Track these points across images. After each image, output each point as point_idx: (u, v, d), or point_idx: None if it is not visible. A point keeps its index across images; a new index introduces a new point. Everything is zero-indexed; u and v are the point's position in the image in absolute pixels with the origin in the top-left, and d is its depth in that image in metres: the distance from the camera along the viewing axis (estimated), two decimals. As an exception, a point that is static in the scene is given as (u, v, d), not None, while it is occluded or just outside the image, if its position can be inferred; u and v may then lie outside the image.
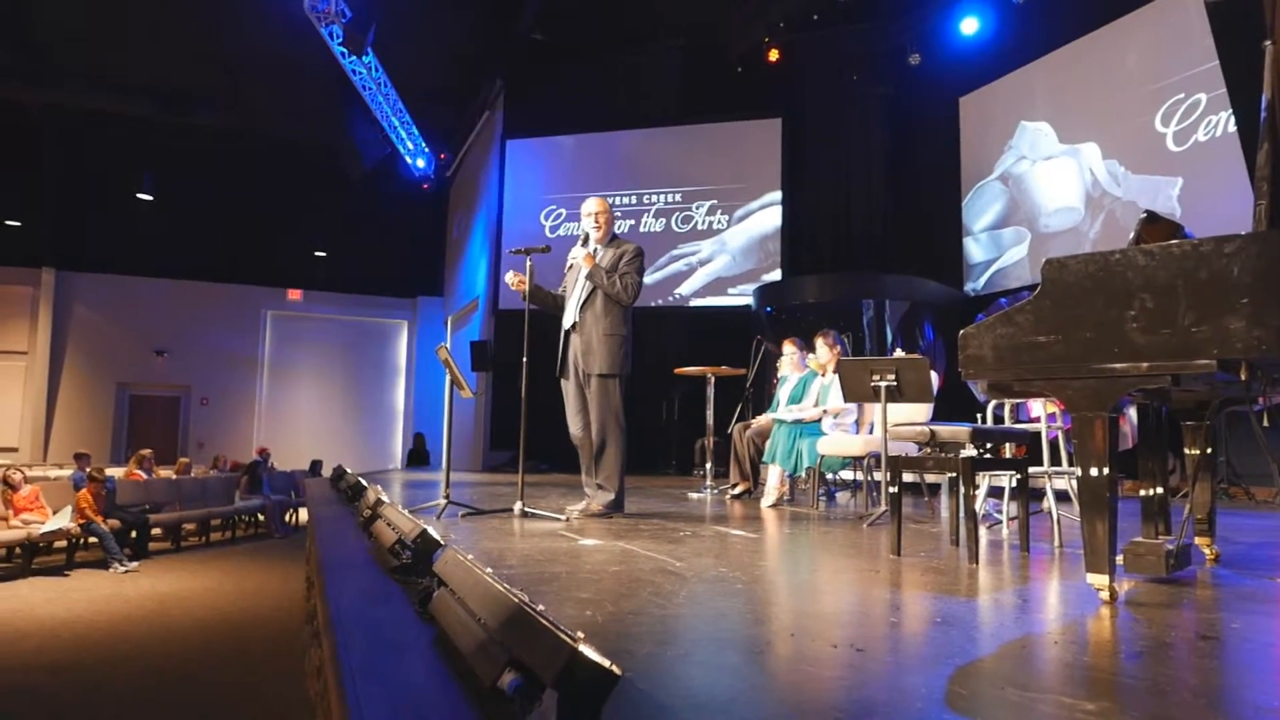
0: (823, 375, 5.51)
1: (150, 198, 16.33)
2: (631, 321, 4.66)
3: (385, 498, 3.50)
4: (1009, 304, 2.49)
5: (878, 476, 4.91)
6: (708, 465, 6.77)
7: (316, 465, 14.83)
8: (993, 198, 10.18)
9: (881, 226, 11.31)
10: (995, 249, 10.09)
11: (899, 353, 4.87)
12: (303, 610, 6.55)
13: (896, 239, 11.19)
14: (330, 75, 13.76)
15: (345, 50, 12.70)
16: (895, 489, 3.07)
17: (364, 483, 4.80)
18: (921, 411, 4.64)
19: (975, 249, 10.40)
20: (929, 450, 3.17)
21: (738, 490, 5.90)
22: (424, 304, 18.57)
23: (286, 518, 13.58)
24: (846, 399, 4.53)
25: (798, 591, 2.58)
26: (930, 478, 5.43)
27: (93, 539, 9.41)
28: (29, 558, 9.04)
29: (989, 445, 3.25)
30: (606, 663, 1.06)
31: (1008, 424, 4.03)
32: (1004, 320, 2.29)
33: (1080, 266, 2.17)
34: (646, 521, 4.23)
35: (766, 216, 11.90)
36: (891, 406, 4.17)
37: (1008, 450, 3.73)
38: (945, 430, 2.97)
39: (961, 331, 2.37)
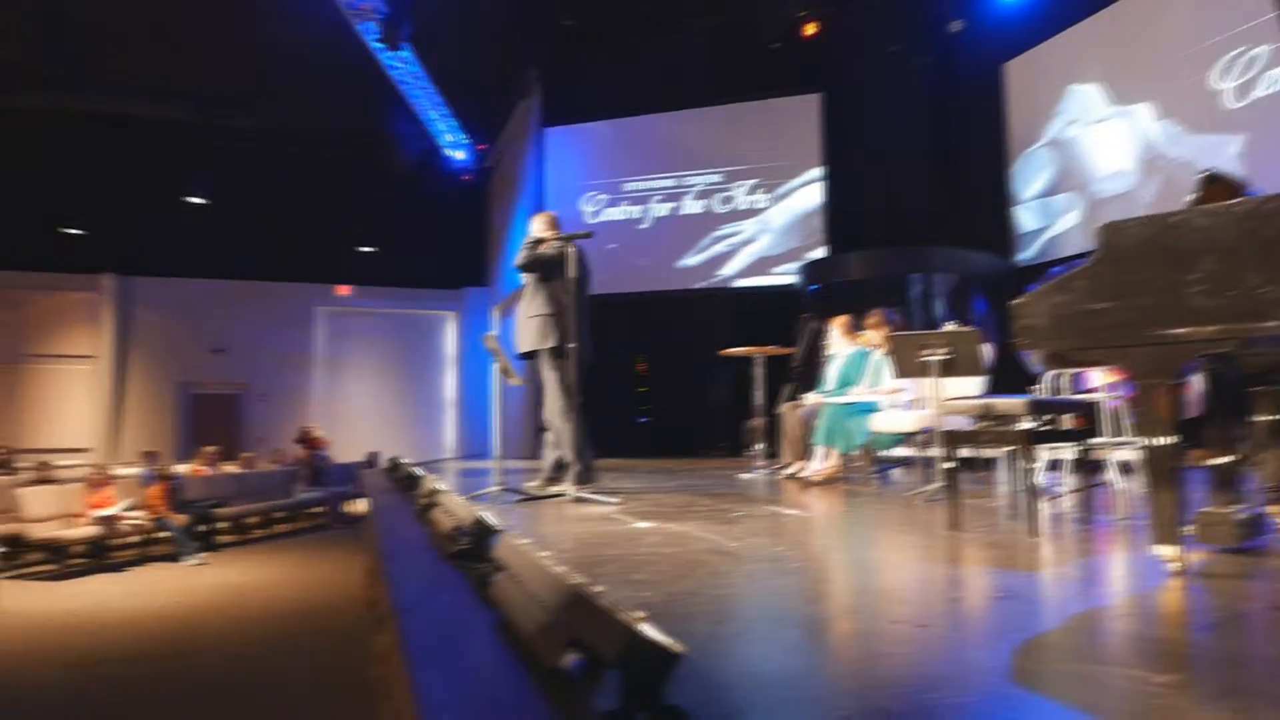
0: (875, 352, 5.44)
1: (202, 201, 16.73)
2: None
3: (441, 486, 3.56)
4: (1062, 272, 2.43)
5: (931, 453, 4.84)
6: (758, 446, 6.74)
7: (373, 456, 15.14)
8: (1042, 164, 9.92)
9: (926, 199, 11.09)
10: (1046, 217, 9.84)
11: (950, 326, 4.79)
12: (364, 598, 6.71)
13: (943, 211, 10.97)
14: (368, 71, 13.92)
15: (382, 45, 12.83)
16: (952, 464, 3.02)
17: (419, 472, 4.88)
18: (975, 385, 4.56)
19: (1025, 218, 10.15)
20: (985, 424, 3.11)
21: (790, 470, 5.87)
22: (470, 295, 18.74)
23: (345, 508, 13.89)
24: (898, 375, 4.47)
25: (855, 569, 2.57)
26: (986, 452, 5.34)
27: (163, 533, 9.75)
28: (104, 553, 9.41)
29: (1047, 417, 3.18)
30: (668, 641, 1.07)
31: (1066, 395, 3.94)
32: (1059, 288, 2.24)
33: (1139, 229, 2.11)
34: (700, 503, 4.23)
35: (808, 194, 11.76)
36: (944, 381, 4.10)
37: (1066, 422, 3.65)
38: (1001, 403, 2.92)
39: (1015, 301, 2.32)
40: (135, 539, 9.81)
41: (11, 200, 16.41)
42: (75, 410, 16.97)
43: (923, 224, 10.89)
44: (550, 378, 4.82)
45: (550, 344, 4.79)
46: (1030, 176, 10.07)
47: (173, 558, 9.50)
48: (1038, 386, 4.24)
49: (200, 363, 17.63)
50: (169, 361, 17.45)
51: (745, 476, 6.19)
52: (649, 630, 1.06)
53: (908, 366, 4.21)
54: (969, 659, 1.49)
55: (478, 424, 18.06)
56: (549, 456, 4.91)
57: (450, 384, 19.28)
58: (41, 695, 4.96)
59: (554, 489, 4.62)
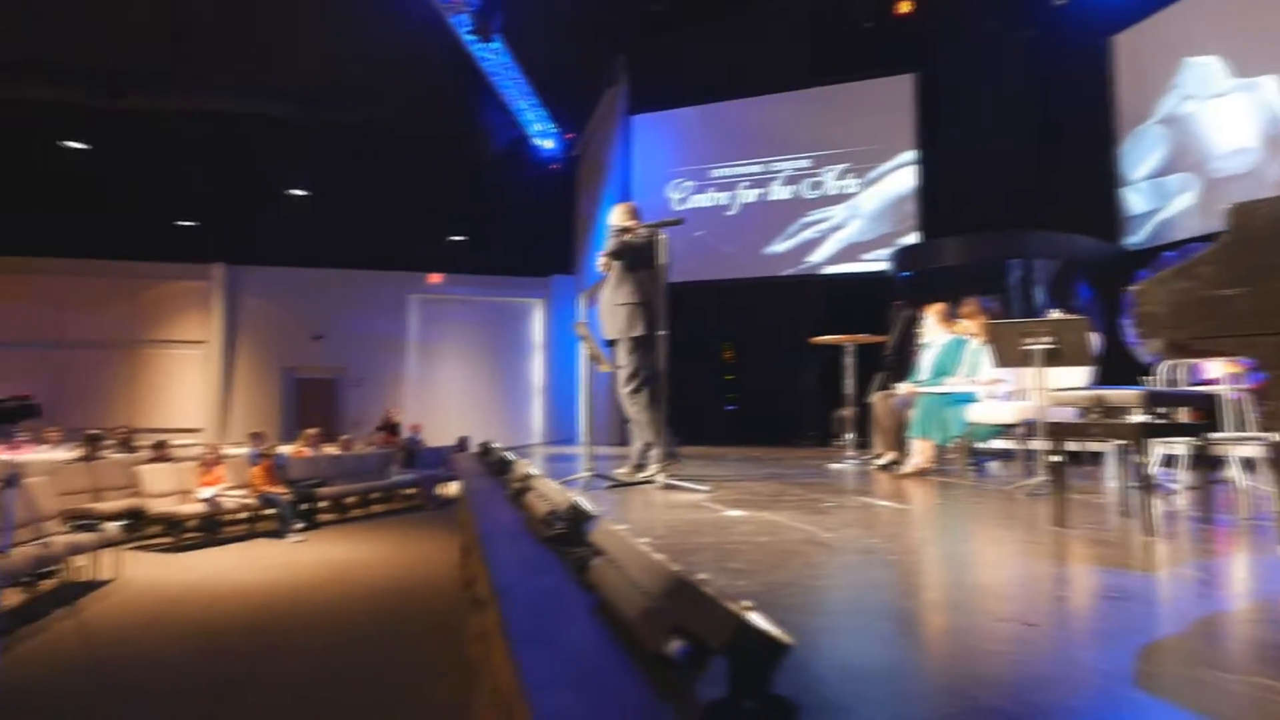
0: (972, 341, 5.27)
1: (303, 193, 17.43)
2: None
3: (533, 471, 3.63)
4: (1176, 257, 2.30)
5: (1032, 445, 4.67)
6: (848, 436, 6.63)
7: (463, 441, 15.53)
8: (1154, 143, 9.39)
9: (1026, 181, 10.64)
10: (1159, 198, 9.32)
11: (1055, 313, 4.59)
12: (459, 578, 6.91)
13: (1044, 193, 10.51)
14: (459, 63, 14.20)
15: (473, 37, 13.06)
16: (1058, 458, 2.91)
17: (511, 457, 4.99)
18: (1081, 376, 4.36)
19: (1135, 199, 9.64)
20: (1094, 416, 2.98)
21: (883, 461, 5.75)
22: (557, 282, 18.99)
23: (438, 491, 14.30)
24: (998, 364, 4.32)
25: (954, 564, 2.51)
26: (1092, 446, 5.12)
27: (268, 511, 10.25)
28: (216, 528, 9.95)
29: (1162, 410, 3.02)
30: (776, 631, 1.06)
31: (1182, 386, 3.74)
32: (1182, 273, 2.11)
33: (1272, 210, 1.97)
34: (790, 492, 4.19)
35: (901, 177, 11.45)
36: (1048, 371, 3.95)
37: (1182, 415, 3.47)
38: (1114, 394, 2.78)
39: (1133, 287, 2.21)
40: (243, 516, 10.34)
41: (132, 196, 17.44)
42: (188, 393, 17.98)
43: (1022, 208, 10.46)
44: (631, 365, 4.83)
45: (636, 332, 4.81)
46: (1140, 156, 9.55)
47: (277, 534, 9.98)
48: (1150, 377, 4.04)
49: (301, 348, 18.42)
50: (273, 347, 18.30)
51: (835, 467, 6.10)
52: (757, 620, 1.06)
53: (1008, 356, 4.07)
54: (1082, 660, 1.44)
55: (564, 410, 18.32)
56: (637, 443, 4.94)
57: (538, 370, 19.60)
58: (165, 663, 5.28)
59: (643, 475, 4.66)
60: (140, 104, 15.69)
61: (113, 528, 7.82)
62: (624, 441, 5.19)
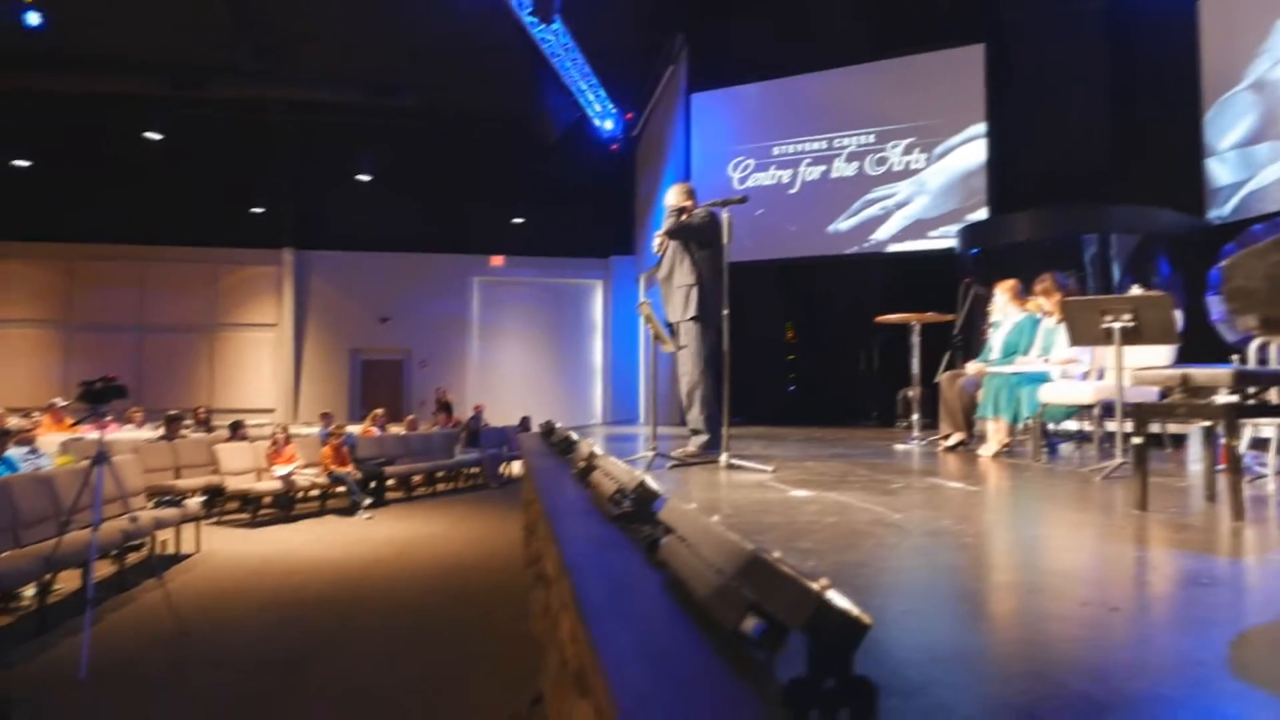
0: (1046, 319, 5.11)
1: (368, 178, 17.76)
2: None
3: (598, 450, 3.65)
4: (1265, 231, 2.18)
5: (1109, 427, 4.53)
6: (914, 416, 6.51)
7: (525, 421, 15.72)
8: (1243, 110, 8.93)
9: (1103, 153, 10.23)
10: (1247, 169, 8.87)
11: (1136, 290, 4.41)
12: (523, 555, 7.02)
13: (1121, 166, 10.09)
14: (520, 46, 14.25)
15: (534, 19, 13.08)
16: (1140, 439, 2.80)
17: (574, 436, 5.02)
18: (1163, 355, 4.20)
19: (1221, 170, 9.19)
20: (1179, 396, 2.86)
21: (951, 442, 5.63)
22: (617, 263, 19.03)
23: (500, 470, 14.53)
24: (1073, 342, 4.19)
25: (1032, 547, 2.44)
26: (1172, 427, 4.94)
27: (338, 489, 10.55)
28: (290, 505, 10.29)
29: (1252, 390, 2.89)
30: (856, 610, 1.05)
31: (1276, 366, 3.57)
32: (1279, 247, 2.01)
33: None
34: (856, 473, 4.14)
35: (969, 152, 11.12)
36: (1126, 350, 3.81)
37: (1275, 396, 3.31)
38: (1201, 373, 2.67)
39: (1225, 262, 2.11)
40: (315, 493, 10.67)
41: (207, 184, 18.01)
42: (261, 374, 18.58)
43: (1098, 181, 10.08)
44: (690, 346, 4.81)
45: (693, 313, 4.79)
46: (1227, 124, 9.09)
47: (347, 512, 10.27)
48: (1237, 356, 3.87)
49: (368, 330, 18.86)
50: (341, 329, 18.78)
51: (901, 448, 6.00)
52: (837, 599, 1.05)
53: (1086, 334, 3.94)
54: (1175, 648, 1.39)
55: (624, 390, 18.41)
56: (696, 423, 4.94)
57: (598, 351, 19.71)
58: (246, 632, 5.50)
59: (707, 455, 4.65)
60: (215, 94, 16.15)
61: (194, 504, 8.15)
62: (685, 422, 5.18)
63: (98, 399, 5.03)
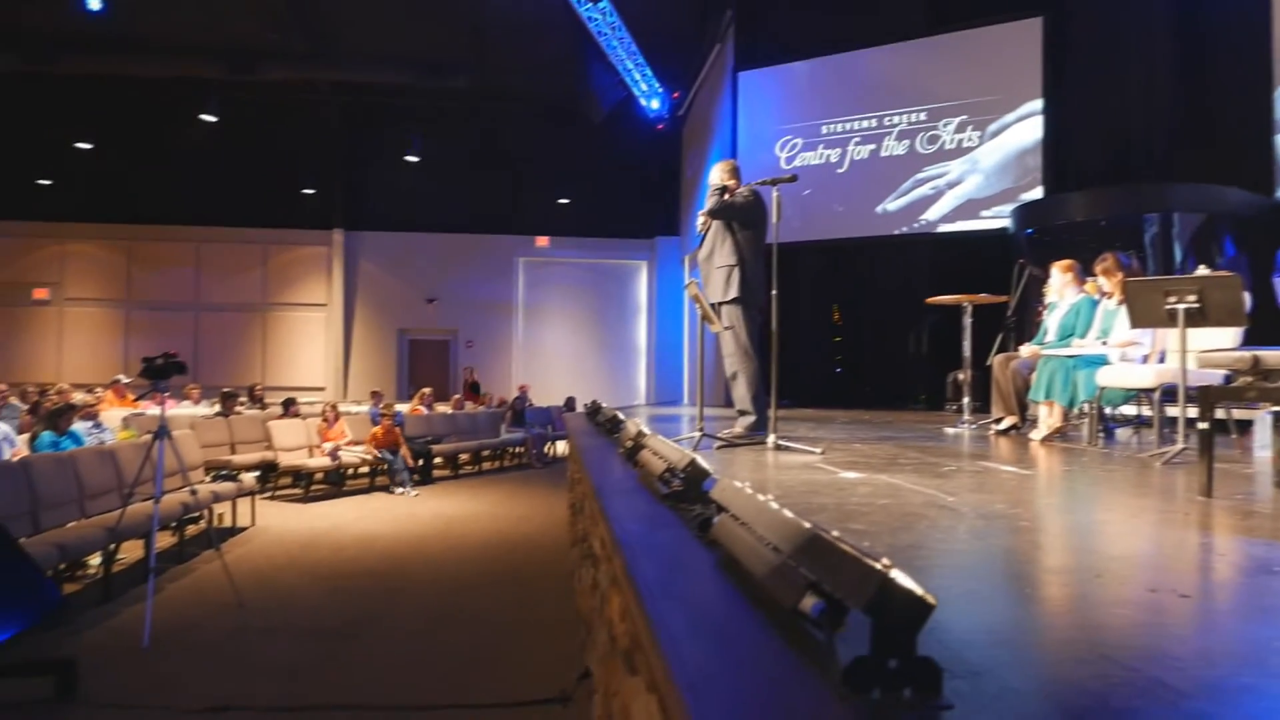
0: (1105, 300, 4.97)
1: (417, 159, 17.91)
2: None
3: (645, 430, 3.65)
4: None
5: (1170, 411, 4.40)
6: (964, 400, 6.40)
7: (570, 401, 15.82)
8: (1317, 83, 8.54)
9: (1166, 129, 9.87)
10: (1320, 145, 8.50)
11: (1203, 270, 4.26)
12: (569, 534, 7.08)
13: (1185, 143, 9.72)
14: (567, 26, 14.21)
15: (581, -1, 13.03)
16: (1205, 424, 2.72)
17: (621, 416, 5.03)
18: (1230, 337, 4.06)
19: (1292, 147, 8.82)
20: (1247, 379, 2.77)
21: (1003, 425, 5.53)
22: (662, 244, 18.98)
23: (545, 449, 14.65)
24: (1134, 324, 4.06)
25: (1092, 532, 2.38)
26: (1236, 413, 4.78)
27: (386, 465, 10.73)
28: (340, 481, 10.50)
29: (1328, 373, 2.77)
30: (919, 590, 1.03)
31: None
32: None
33: None
34: (906, 455, 4.09)
35: (1025, 129, 10.82)
36: (1189, 333, 3.69)
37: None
38: (1275, 356, 2.57)
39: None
40: (364, 470, 10.87)
41: (260, 165, 18.34)
42: (311, 353, 18.95)
43: (1161, 158, 9.74)
44: (734, 327, 4.79)
45: (734, 294, 4.74)
46: (1300, 98, 8.70)
47: (396, 488, 10.44)
48: (1311, 339, 3.72)
49: (416, 310, 19.11)
50: (389, 309, 19.05)
51: (951, 431, 5.91)
52: (901, 578, 1.03)
53: (1148, 315, 3.82)
54: (1248, 636, 1.34)
55: (669, 371, 18.40)
56: (742, 403, 4.92)
57: (642, 331, 19.71)
58: (299, 603, 5.64)
59: (753, 436, 4.63)
60: (268, 77, 16.40)
61: (249, 478, 8.35)
62: (730, 403, 5.15)
63: (159, 375, 5.17)
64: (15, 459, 5.88)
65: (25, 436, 7.01)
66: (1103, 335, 5.01)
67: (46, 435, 6.71)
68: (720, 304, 4.79)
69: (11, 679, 3.90)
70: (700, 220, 4.98)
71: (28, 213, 18.18)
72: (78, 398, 9.52)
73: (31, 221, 18.22)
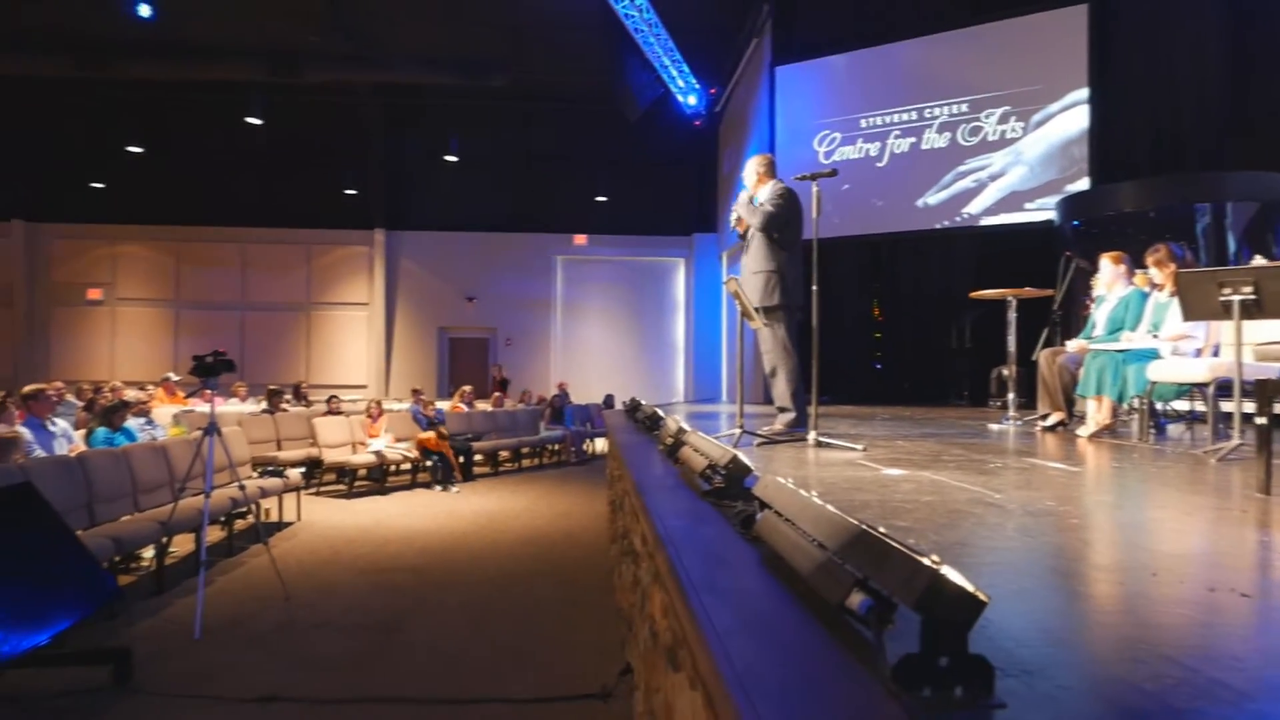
0: (1156, 292, 4.85)
1: (456, 159, 18.07)
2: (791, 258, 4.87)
3: (685, 427, 3.64)
4: None
5: (1225, 406, 4.28)
6: (1009, 395, 6.29)
7: (609, 398, 15.87)
8: (1380, 67, 8.24)
9: (1218, 116, 9.59)
10: (1382, 130, 8.20)
11: (1259, 260, 4.14)
12: (608, 530, 7.10)
13: (1236, 131, 9.44)
14: (604, 23, 14.23)
15: (618, -4, 13.03)
16: (1264, 419, 2.64)
17: (661, 413, 5.04)
18: (1286, 330, 3.94)
19: (1353, 133, 8.53)
20: (1308, 373, 2.68)
21: (1050, 421, 5.42)
22: (699, 241, 18.94)
23: (584, 446, 14.70)
24: (1187, 317, 3.96)
25: (1145, 529, 2.33)
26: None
27: (428, 462, 10.86)
28: (383, 477, 10.65)
29: (1394, 367, 2.68)
30: (971, 587, 1.02)
31: None
32: None
33: None
34: (950, 452, 4.03)
35: (1070, 119, 10.58)
36: (1245, 325, 3.58)
37: None
38: (1337, 349, 2.49)
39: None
40: (406, 467, 11.00)
41: (303, 167, 18.66)
42: (354, 351, 19.24)
43: (1212, 146, 9.48)
44: (773, 324, 4.81)
45: (775, 302, 4.76)
46: (1361, 83, 8.41)
47: (437, 484, 10.56)
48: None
49: (455, 309, 19.30)
50: (430, 307, 19.27)
51: (995, 427, 5.81)
52: (953, 576, 1.02)
53: (1201, 308, 3.72)
54: (1314, 637, 1.30)
55: (707, 368, 18.36)
56: (782, 400, 4.91)
57: (680, 328, 19.68)
58: (344, 596, 5.73)
59: (794, 433, 4.61)
60: (310, 79, 16.65)
61: (294, 474, 8.51)
62: (770, 399, 5.14)
63: (209, 372, 5.28)
64: (73, 454, 6.05)
65: (81, 433, 7.21)
66: (1153, 329, 4.89)
67: (101, 431, 6.89)
68: (760, 308, 4.78)
69: (72, 666, 4.03)
70: (734, 218, 5.01)
71: (82, 215, 18.72)
72: (130, 395, 9.77)
73: (86, 224, 18.75)
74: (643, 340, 19.64)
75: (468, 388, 14.02)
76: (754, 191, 5.00)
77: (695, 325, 19.05)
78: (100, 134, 18.27)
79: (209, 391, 5.43)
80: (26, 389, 7.02)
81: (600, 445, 14.88)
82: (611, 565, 5.80)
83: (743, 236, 5.04)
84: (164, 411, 9.99)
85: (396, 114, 18.79)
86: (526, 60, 16.35)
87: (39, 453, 6.17)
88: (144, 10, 13.86)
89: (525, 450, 13.55)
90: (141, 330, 19.05)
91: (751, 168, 5.09)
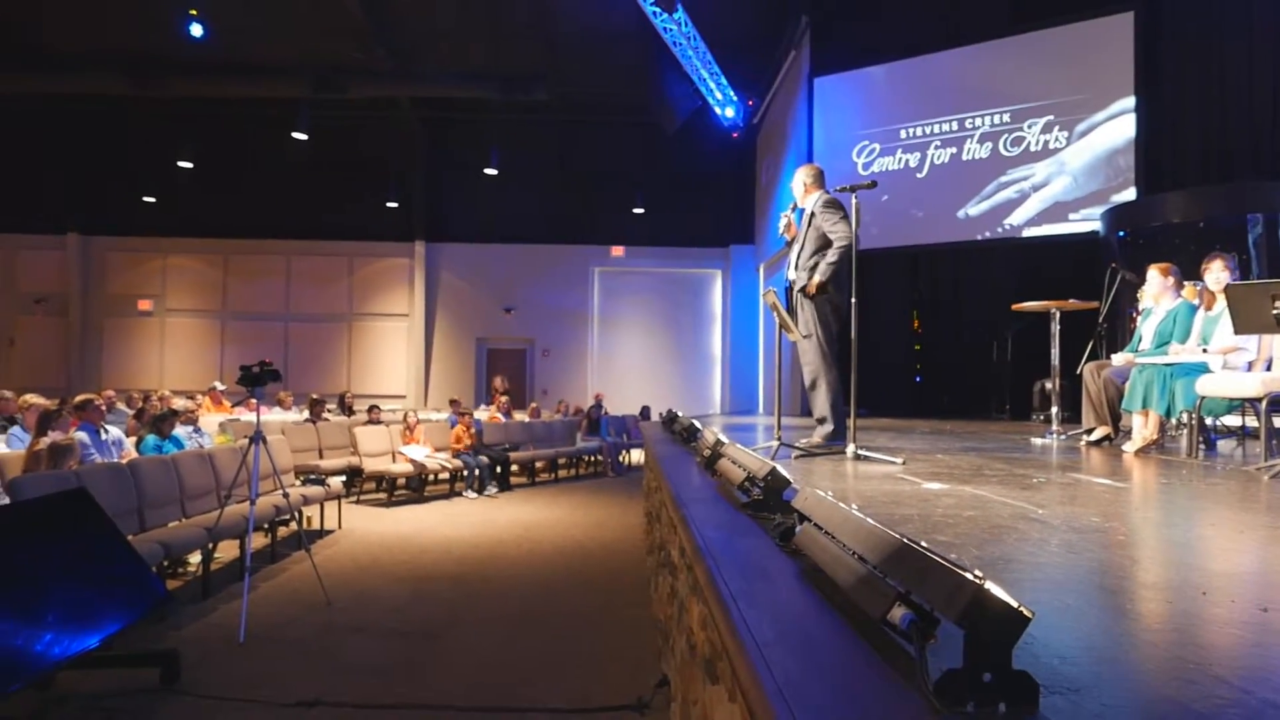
0: (1207, 308, 4.75)
1: (495, 172, 18.28)
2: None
3: (724, 439, 3.64)
4: None
5: (1278, 422, 4.17)
6: (1053, 409, 6.19)
7: (645, 410, 15.88)
8: None
9: (1269, 124, 9.37)
10: None
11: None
12: (644, 542, 7.10)
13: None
14: (643, 36, 14.33)
15: (657, 9, 13.11)
16: (1320, 435, 2.57)
17: (698, 425, 5.04)
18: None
19: None
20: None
21: (1095, 436, 5.33)
22: (736, 252, 18.91)
23: (620, 458, 14.72)
24: (1238, 330, 3.87)
25: (1194, 547, 2.28)
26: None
27: (466, 472, 10.96)
28: (422, 486, 10.76)
29: None
30: (1015, 602, 1.01)
31: None
32: None
33: None
34: (992, 466, 3.98)
35: (1116, 128, 10.41)
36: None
37: None
38: (1396, 364, 2.42)
39: None
40: (444, 476, 11.12)
41: (346, 180, 19.01)
42: (394, 362, 19.50)
43: (1263, 155, 9.26)
44: (813, 336, 4.83)
45: (825, 276, 4.78)
46: None
47: (474, 494, 10.65)
48: None
49: (493, 320, 19.48)
50: (468, 319, 19.48)
51: (1038, 442, 5.72)
52: (996, 591, 1.01)
53: (1253, 321, 3.64)
54: (1372, 659, 1.27)
55: (744, 380, 18.30)
56: (821, 413, 4.89)
57: (717, 340, 19.65)
58: (384, 603, 5.80)
59: (832, 445, 4.58)
60: (353, 95, 16.99)
61: (336, 482, 8.64)
62: (807, 412, 5.12)
63: (255, 382, 5.40)
64: (124, 461, 6.22)
65: (132, 440, 7.40)
66: (1203, 342, 4.79)
67: (151, 439, 7.07)
68: (805, 295, 4.81)
69: (122, 668, 4.13)
70: (782, 224, 5.05)
71: (135, 228, 19.27)
72: (178, 403, 10.01)
73: (138, 237, 19.30)
74: (679, 352, 19.64)
75: (504, 397, 14.16)
76: (801, 202, 5.03)
77: (732, 337, 19.01)
78: (153, 150, 18.80)
79: (254, 400, 5.54)
80: (77, 398, 7.23)
81: (636, 456, 14.88)
82: (647, 576, 5.80)
83: (789, 243, 5.09)
84: (210, 420, 10.21)
85: (437, 128, 19.07)
86: (565, 74, 16.51)
87: (96, 457, 6.35)
88: (196, 30, 14.29)
89: (562, 461, 13.61)
90: (189, 340, 19.52)
91: (799, 178, 5.11)
